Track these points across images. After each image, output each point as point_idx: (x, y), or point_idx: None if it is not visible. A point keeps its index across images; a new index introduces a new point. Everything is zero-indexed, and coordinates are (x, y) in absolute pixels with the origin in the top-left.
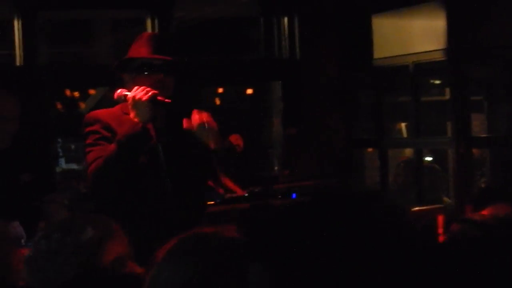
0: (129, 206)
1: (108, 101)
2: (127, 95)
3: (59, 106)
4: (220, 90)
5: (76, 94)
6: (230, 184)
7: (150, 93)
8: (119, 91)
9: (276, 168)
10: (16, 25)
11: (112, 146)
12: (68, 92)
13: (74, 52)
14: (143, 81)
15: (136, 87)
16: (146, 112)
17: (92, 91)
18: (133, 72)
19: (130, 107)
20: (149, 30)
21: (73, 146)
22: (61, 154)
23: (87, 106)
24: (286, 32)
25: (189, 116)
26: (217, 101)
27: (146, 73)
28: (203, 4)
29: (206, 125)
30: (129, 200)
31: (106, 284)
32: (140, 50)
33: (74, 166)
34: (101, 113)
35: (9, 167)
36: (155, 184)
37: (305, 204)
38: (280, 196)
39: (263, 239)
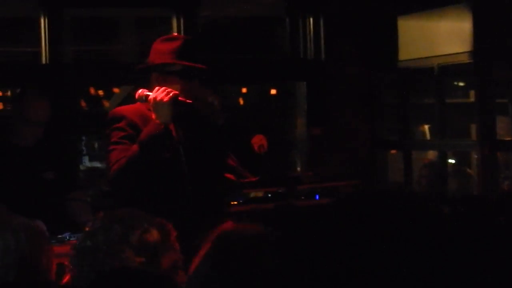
0: (149, 205)
1: (132, 100)
2: (148, 95)
3: (83, 104)
4: (244, 90)
5: (101, 92)
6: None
7: (171, 94)
8: (140, 91)
9: (299, 168)
10: (42, 22)
11: (135, 147)
12: (92, 90)
13: (99, 50)
14: (172, 84)
15: (157, 88)
16: (167, 113)
17: (116, 90)
18: (168, 75)
19: (151, 108)
20: (175, 29)
21: (96, 145)
22: (84, 152)
23: (111, 105)
24: (311, 32)
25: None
26: (241, 101)
27: (180, 79)
28: (228, 4)
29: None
30: (150, 200)
31: None
32: (175, 54)
33: (97, 164)
34: (126, 109)
35: (33, 165)
36: (176, 184)
37: (341, 202)
38: (303, 197)
39: (296, 236)
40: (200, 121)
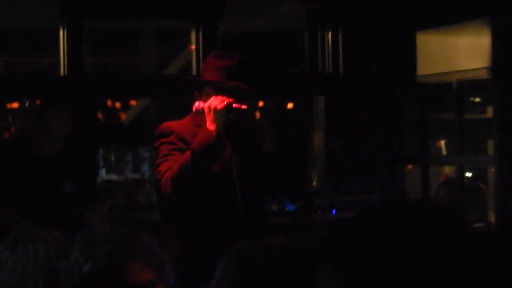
0: (198, 214)
1: (150, 112)
2: (203, 106)
3: (100, 116)
4: (261, 103)
5: (118, 104)
6: None
7: (225, 102)
8: (196, 104)
9: (316, 183)
10: (62, 33)
11: (187, 153)
12: (109, 103)
13: (118, 62)
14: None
15: (213, 97)
16: (221, 121)
17: (133, 102)
18: (220, 92)
19: (206, 116)
20: (193, 41)
21: (113, 157)
22: (101, 164)
23: (128, 117)
24: (330, 46)
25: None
26: (258, 115)
27: (231, 97)
28: (248, 17)
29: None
30: (200, 209)
31: None
32: (230, 72)
33: (114, 176)
34: (175, 124)
35: (53, 176)
36: (226, 194)
37: (382, 212)
38: (320, 212)
39: (336, 244)
40: (248, 137)
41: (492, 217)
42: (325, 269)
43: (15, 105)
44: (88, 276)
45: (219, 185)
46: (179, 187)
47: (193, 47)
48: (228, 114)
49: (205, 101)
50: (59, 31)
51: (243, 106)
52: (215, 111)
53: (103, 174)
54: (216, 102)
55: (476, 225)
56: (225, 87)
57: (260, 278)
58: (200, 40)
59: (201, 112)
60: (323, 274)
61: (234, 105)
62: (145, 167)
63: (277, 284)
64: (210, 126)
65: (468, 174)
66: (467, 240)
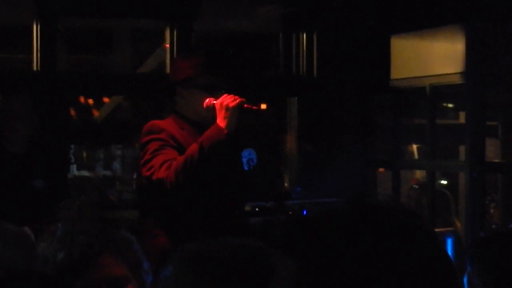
0: (189, 207)
1: (123, 110)
2: (215, 103)
3: (72, 112)
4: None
5: (90, 101)
6: None
7: (237, 100)
8: (207, 100)
9: (288, 184)
10: (35, 30)
11: (194, 146)
12: (82, 99)
13: (92, 60)
14: (198, 98)
15: (225, 95)
16: (232, 119)
17: (106, 100)
18: (194, 90)
19: (217, 112)
20: (168, 41)
21: (85, 154)
22: (73, 161)
23: (101, 114)
24: (305, 49)
25: None
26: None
27: (205, 92)
28: (223, 18)
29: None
30: (192, 202)
31: None
32: (198, 68)
33: (86, 173)
34: (164, 123)
35: (22, 173)
36: (221, 192)
37: (342, 210)
38: (290, 213)
39: (296, 238)
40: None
41: (458, 223)
42: (286, 261)
43: None
44: (61, 264)
45: (217, 183)
46: (183, 179)
47: (167, 45)
48: (239, 113)
49: (216, 98)
50: (32, 28)
51: (254, 107)
52: (227, 108)
53: (74, 170)
54: (229, 99)
55: (443, 229)
56: (198, 83)
57: (203, 276)
58: (175, 39)
59: (211, 107)
60: (283, 265)
61: (245, 105)
62: (116, 165)
63: (219, 282)
64: (221, 123)
65: (444, 182)
66: (422, 239)
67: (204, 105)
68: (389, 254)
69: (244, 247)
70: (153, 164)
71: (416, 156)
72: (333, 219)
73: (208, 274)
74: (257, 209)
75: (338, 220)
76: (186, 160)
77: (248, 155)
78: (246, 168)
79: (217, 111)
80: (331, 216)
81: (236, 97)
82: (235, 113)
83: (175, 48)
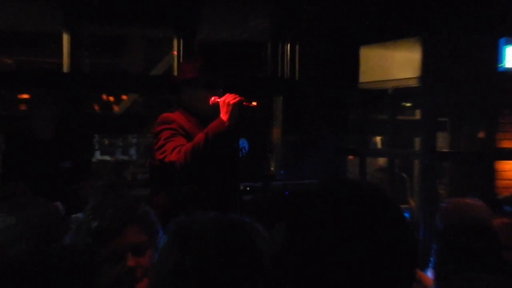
0: (193, 184)
1: (138, 106)
2: (219, 101)
3: (96, 107)
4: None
5: (111, 98)
6: None
7: (237, 99)
8: (212, 98)
9: (273, 168)
10: (65, 38)
11: (200, 135)
12: (104, 97)
13: (111, 63)
14: (200, 94)
15: (227, 94)
16: (233, 114)
17: (124, 97)
18: (196, 87)
19: (221, 108)
20: (175, 48)
21: (106, 141)
22: (96, 147)
23: (120, 109)
24: (289, 56)
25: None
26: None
27: (206, 89)
28: (220, 29)
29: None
30: (196, 179)
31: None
32: (199, 70)
33: (107, 157)
34: (174, 116)
35: (51, 155)
36: (221, 172)
37: (326, 187)
38: (275, 192)
39: (289, 207)
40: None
41: (412, 202)
42: (280, 225)
43: (25, 96)
44: (94, 232)
45: (217, 166)
46: (190, 161)
47: (175, 52)
48: (238, 109)
49: (220, 96)
50: (62, 36)
51: (251, 104)
52: (229, 104)
53: (98, 155)
54: (230, 97)
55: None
56: (202, 83)
57: (192, 247)
58: (181, 48)
59: (216, 104)
60: (279, 229)
61: (244, 103)
62: (132, 151)
63: (204, 250)
64: (224, 116)
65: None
66: (390, 208)
67: (210, 102)
68: (361, 219)
69: (226, 220)
70: (166, 149)
71: (379, 145)
72: (314, 193)
73: (195, 243)
74: (248, 188)
75: (318, 193)
76: (194, 146)
77: (241, 144)
78: (239, 155)
79: (220, 107)
80: (313, 190)
81: (237, 95)
82: (235, 109)
83: (181, 55)
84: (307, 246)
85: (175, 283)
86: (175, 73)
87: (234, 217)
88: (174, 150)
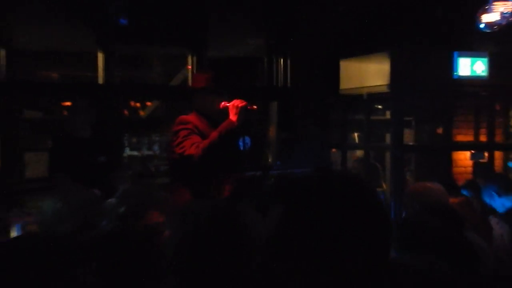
0: (208, 174)
1: (160, 110)
2: (228, 105)
3: (125, 112)
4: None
5: (138, 104)
6: None
7: (244, 103)
8: (223, 103)
9: (270, 160)
10: (100, 56)
11: (214, 134)
12: (132, 103)
13: (136, 76)
14: (210, 98)
15: (235, 99)
16: (241, 116)
17: (148, 103)
18: (208, 94)
19: (230, 111)
20: (189, 64)
21: (134, 139)
22: (126, 144)
23: (145, 113)
24: (282, 68)
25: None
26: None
27: (215, 95)
28: (226, 48)
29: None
30: (209, 169)
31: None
32: (209, 80)
33: (135, 153)
34: (190, 117)
35: (88, 150)
36: (229, 161)
37: (316, 174)
38: (272, 179)
39: (284, 190)
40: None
41: (385, 185)
42: (277, 206)
43: (67, 103)
44: (122, 216)
45: (226, 158)
46: (206, 153)
47: (189, 67)
48: (245, 112)
49: (227, 101)
50: (97, 54)
51: (254, 107)
52: (237, 108)
53: (127, 151)
54: (238, 102)
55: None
56: (211, 90)
57: (189, 226)
58: (194, 62)
59: (226, 108)
60: (275, 209)
61: (248, 107)
62: (155, 147)
63: (200, 231)
64: (233, 118)
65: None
66: (369, 193)
67: (221, 106)
68: (348, 202)
69: (219, 205)
70: (184, 145)
71: (357, 140)
72: (306, 179)
73: (192, 225)
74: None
75: (309, 180)
76: (210, 142)
77: (245, 141)
78: (243, 149)
79: (230, 110)
80: (305, 177)
81: (243, 101)
82: (242, 111)
83: (194, 68)
84: (302, 226)
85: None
86: (190, 83)
87: (225, 202)
88: (192, 146)
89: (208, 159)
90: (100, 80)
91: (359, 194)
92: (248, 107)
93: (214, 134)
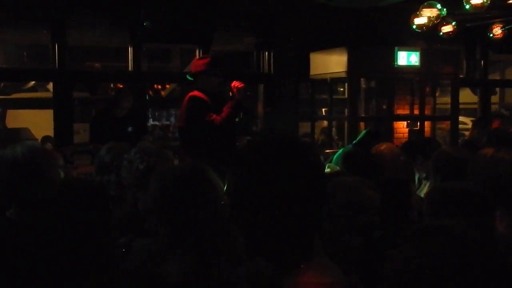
0: (210, 140)
1: (175, 91)
2: (231, 85)
3: (150, 92)
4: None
5: (159, 86)
6: None
7: (243, 84)
8: (232, 83)
9: (257, 129)
10: (130, 50)
11: (226, 109)
12: (155, 86)
13: (159, 66)
14: (211, 80)
15: (235, 81)
16: (243, 94)
17: (168, 86)
18: (208, 76)
19: (233, 90)
20: (197, 57)
21: (156, 113)
22: (150, 117)
23: (165, 94)
24: (266, 60)
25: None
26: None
27: (215, 76)
28: (225, 44)
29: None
30: (213, 137)
31: None
32: (209, 64)
33: (156, 122)
34: (200, 94)
35: (123, 124)
36: (229, 130)
37: (262, 139)
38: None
39: (243, 154)
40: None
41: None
42: (237, 165)
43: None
44: (143, 171)
45: (227, 127)
46: (223, 121)
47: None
48: (244, 91)
49: (205, 82)
50: (128, 49)
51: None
52: (238, 88)
53: (150, 121)
54: (238, 84)
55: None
56: (210, 72)
57: (168, 186)
58: (201, 55)
59: (221, 86)
60: (235, 171)
61: (239, 85)
62: (172, 119)
63: (176, 190)
64: (237, 96)
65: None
66: (306, 152)
67: (232, 85)
68: (282, 158)
69: (190, 166)
70: (206, 114)
71: (323, 114)
72: (259, 143)
73: (170, 185)
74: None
75: (260, 143)
76: (227, 113)
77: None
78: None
79: (233, 89)
80: (259, 141)
81: (241, 82)
82: (242, 90)
83: None
84: (252, 179)
85: None
86: (191, 67)
87: (196, 163)
88: (212, 116)
89: (221, 126)
90: (130, 68)
91: (295, 152)
92: (238, 86)
93: (227, 110)
